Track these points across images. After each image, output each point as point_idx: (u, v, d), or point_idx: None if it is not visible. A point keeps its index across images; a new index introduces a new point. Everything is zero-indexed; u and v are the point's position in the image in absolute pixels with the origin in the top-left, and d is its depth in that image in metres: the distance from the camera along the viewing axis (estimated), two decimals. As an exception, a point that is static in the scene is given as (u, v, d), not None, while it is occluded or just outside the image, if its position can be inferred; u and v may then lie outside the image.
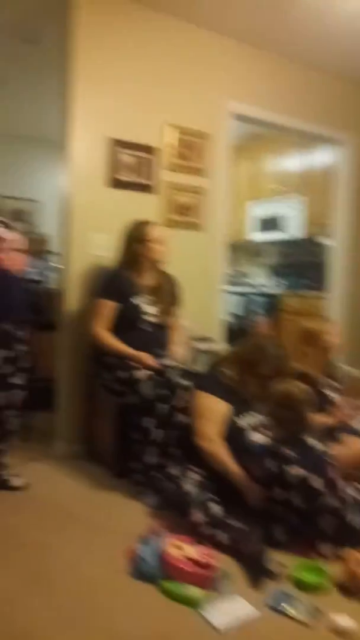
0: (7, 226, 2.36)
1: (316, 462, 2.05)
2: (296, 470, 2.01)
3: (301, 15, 3.13)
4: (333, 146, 4.29)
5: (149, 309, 2.74)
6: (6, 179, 5.87)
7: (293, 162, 5.18)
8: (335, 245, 4.37)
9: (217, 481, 2.24)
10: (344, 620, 1.64)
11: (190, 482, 2.19)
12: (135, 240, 2.76)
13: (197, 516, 2.06)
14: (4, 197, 5.87)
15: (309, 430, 2.15)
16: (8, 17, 3.22)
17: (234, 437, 2.33)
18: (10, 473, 2.54)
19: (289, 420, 2.12)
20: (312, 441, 2.13)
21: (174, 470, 2.30)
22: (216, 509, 2.10)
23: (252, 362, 2.45)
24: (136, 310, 2.71)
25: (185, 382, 2.56)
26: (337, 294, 4.37)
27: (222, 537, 2.02)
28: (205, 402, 2.41)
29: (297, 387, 2.17)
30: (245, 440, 2.33)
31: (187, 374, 2.65)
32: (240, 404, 2.43)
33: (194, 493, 2.15)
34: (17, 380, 2.44)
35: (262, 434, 2.34)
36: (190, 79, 3.33)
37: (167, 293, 2.84)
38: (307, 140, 4.75)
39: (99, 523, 2.26)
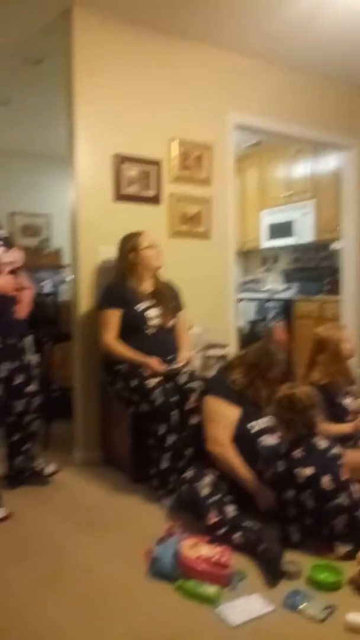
0: (5, 244, 2.41)
1: (326, 463, 2.07)
2: (306, 471, 2.03)
3: (300, 25, 3.19)
4: (340, 151, 4.34)
5: (152, 314, 2.82)
6: (17, 195, 6.05)
7: (302, 168, 5.23)
8: (346, 248, 4.39)
9: (230, 482, 2.28)
10: (359, 618, 1.65)
11: (205, 484, 2.23)
12: (129, 251, 2.87)
13: (212, 517, 2.10)
14: (15, 214, 6.05)
15: (316, 431, 2.17)
16: (9, 39, 3.34)
17: (245, 441, 2.36)
18: (40, 463, 2.71)
19: (294, 422, 2.14)
20: (322, 443, 2.15)
21: (188, 473, 2.34)
22: (230, 509, 2.14)
23: (260, 366, 2.48)
24: (140, 316, 2.79)
25: (193, 385, 2.62)
26: (350, 297, 4.39)
27: (237, 537, 2.05)
28: (214, 406, 2.45)
29: (300, 390, 2.19)
30: (256, 444, 2.36)
31: (195, 376, 2.71)
32: (250, 408, 2.46)
33: (208, 495, 2.18)
34: (31, 387, 2.59)
35: (273, 437, 2.37)
36: (192, 93, 3.41)
37: (167, 297, 2.92)
38: (313, 146, 4.81)
39: (116, 526, 2.31)
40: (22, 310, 2.50)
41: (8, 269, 2.35)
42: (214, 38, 3.37)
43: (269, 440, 2.35)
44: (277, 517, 2.13)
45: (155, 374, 2.60)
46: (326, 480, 2.01)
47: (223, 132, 3.56)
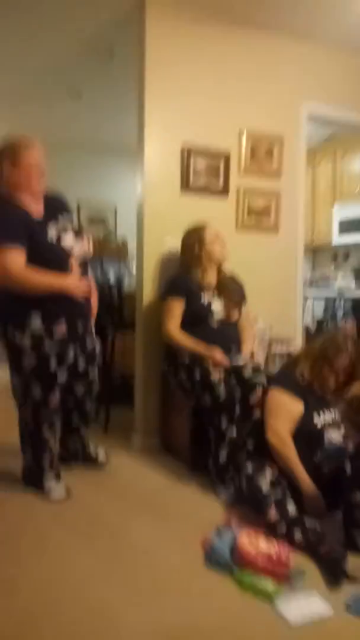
0: (77, 234, 2.41)
1: None
2: None
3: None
4: None
5: (215, 306, 2.80)
6: (84, 186, 6.22)
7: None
8: None
9: (289, 479, 2.21)
10: None
11: (265, 479, 2.17)
12: (193, 244, 2.85)
13: (273, 514, 2.04)
14: (82, 204, 6.22)
15: None
16: (83, 34, 3.43)
17: (309, 434, 2.29)
18: (92, 448, 2.75)
19: None
20: None
21: (248, 467, 2.28)
22: (291, 507, 2.07)
23: (327, 355, 2.39)
24: (204, 308, 2.77)
25: (259, 379, 2.57)
26: None
27: (298, 536, 1.98)
28: (279, 399, 2.39)
29: None
30: (321, 437, 2.28)
31: (259, 370, 2.66)
32: (316, 402, 2.38)
33: (269, 491, 2.12)
34: (93, 373, 2.61)
35: (339, 432, 2.29)
36: (264, 84, 3.35)
37: (231, 291, 2.88)
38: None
39: (175, 512, 2.31)
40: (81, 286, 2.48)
41: (78, 261, 2.37)
42: (287, 28, 3.29)
43: (334, 435, 2.28)
44: (343, 520, 2.04)
45: (218, 366, 2.57)
46: None
47: (295, 123, 3.47)
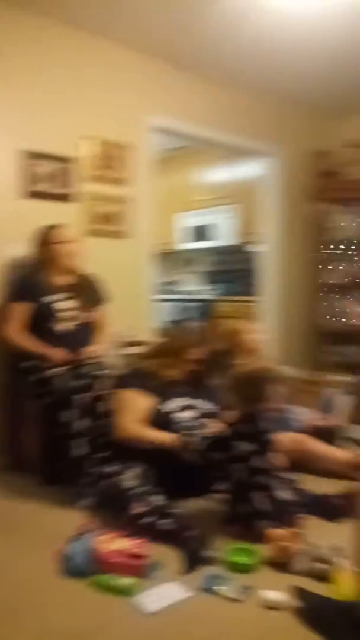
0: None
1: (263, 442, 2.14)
2: (245, 446, 2.11)
3: (216, 34, 3.22)
4: (262, 158, 4.45)
5: (64, 307, 2.75)
6: None
7: (225, 173, 5.34)
8: (266, 252, 4.52)
9: (157, 472, 2.25)
10: (274, 595, 1.67)
11: (129, 476, 2.19)
12: (44, 244, 2.80)
13: (136, 507, 2.06)
14: None
15: (265, 408, 2.20)
16: None
17: (159, 420, 2.45)
18: None
19: (250, 397, 2.19)
20: (263, 423, 2.20)
21: (111, 468, 2.28)
22: (157, 498, 2.11)
23: (179, 349, 2.65)
24: (49, 309, 2.71)
25: (97, 372, 2.58)
26: (268, 298, 4.53)
27: (162, 524, 2.03)
28: (125, 397, 2.51)
29: (263, 366, 2.31)
30: (168, 420, 2.45)
31: (101, 365, 2.66)
32: (164, 392, 2.54)
33: (133, 487, 2.14)
34: None
35: (190, 412, 2.51)
36: (105, 92, 3.38)
37: (85, 291, 2.86)
38: (236, 152, 4.90)
39: (25, 527, 2.22)
40: None
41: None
42: (132, 40, 3.32)
43: (185, 414, 2.49)
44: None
45: (57, 365, 2.53)
46: (259, 459, 2.10)
47: (139, 133, 3.55)
